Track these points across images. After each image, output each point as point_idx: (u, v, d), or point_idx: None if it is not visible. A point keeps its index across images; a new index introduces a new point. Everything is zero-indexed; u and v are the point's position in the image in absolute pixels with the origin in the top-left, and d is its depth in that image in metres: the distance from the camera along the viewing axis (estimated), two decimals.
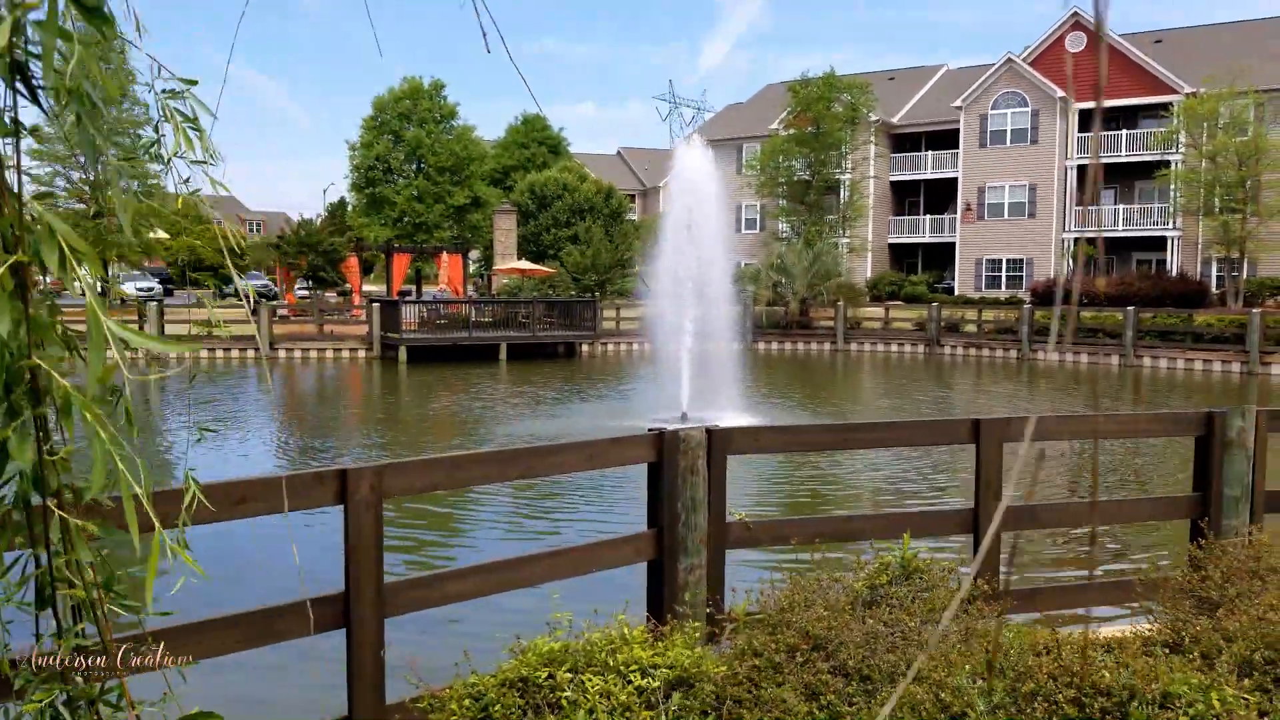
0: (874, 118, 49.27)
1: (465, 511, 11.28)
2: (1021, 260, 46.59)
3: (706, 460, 4.83)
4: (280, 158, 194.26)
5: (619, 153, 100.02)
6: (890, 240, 52.84)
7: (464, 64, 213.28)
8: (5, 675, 2.06)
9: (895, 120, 52.70)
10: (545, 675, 3.24)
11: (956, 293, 47.82)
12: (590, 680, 3.20)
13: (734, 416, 17.63)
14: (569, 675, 3.24)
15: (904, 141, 53.64)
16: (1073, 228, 45.79)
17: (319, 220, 43.52)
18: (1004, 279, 46.90)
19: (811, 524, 5.10)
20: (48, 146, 43.10)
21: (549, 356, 32.76)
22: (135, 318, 33.75)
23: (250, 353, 32.35)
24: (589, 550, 4.61)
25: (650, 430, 4.73)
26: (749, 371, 31.00)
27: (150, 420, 20.19)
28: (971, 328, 35.24)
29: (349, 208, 56.38)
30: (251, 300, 34.62)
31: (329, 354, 32.62)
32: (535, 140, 59.48)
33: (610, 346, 35.13)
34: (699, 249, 18.23)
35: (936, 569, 4.55)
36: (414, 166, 52.30)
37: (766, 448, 5.29)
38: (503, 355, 31.18)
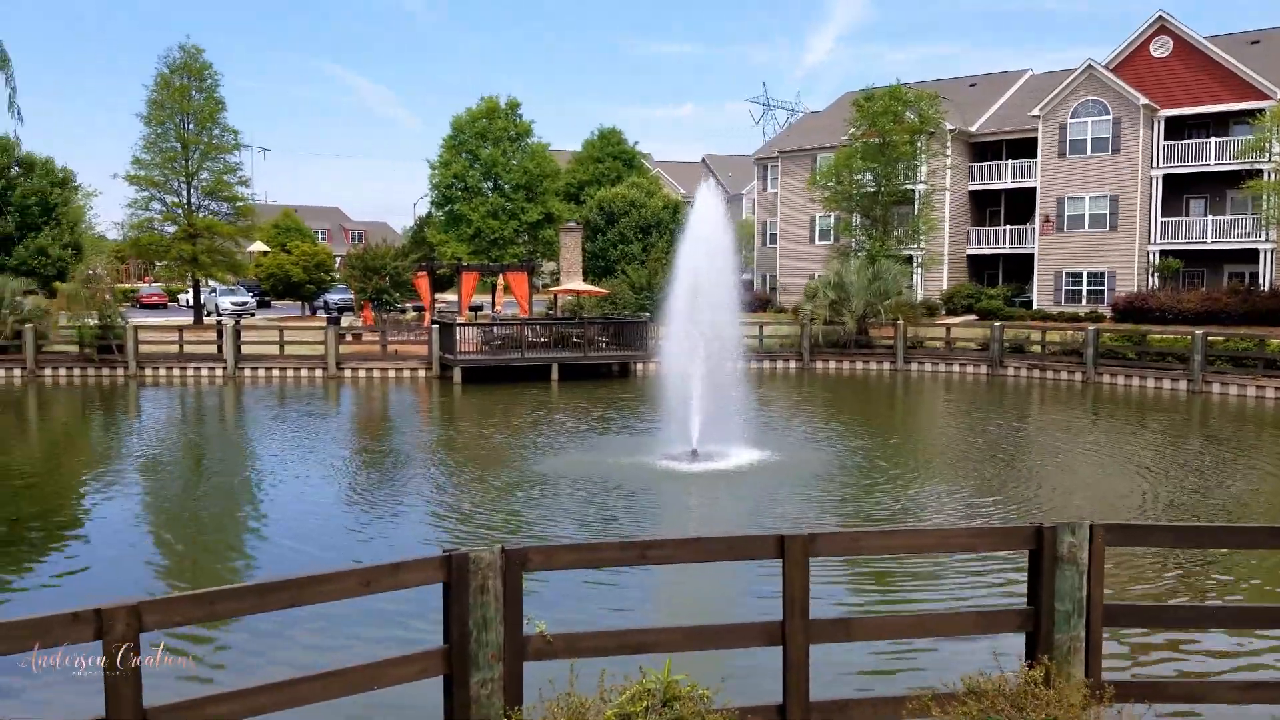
0: (950, 126, 48.26)
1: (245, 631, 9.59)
2: (1103, 274, 44.94)
3: (501, 579, 5.09)
4: (389, 164, 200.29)
5: (703, 160, 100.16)
6: (969, 251, 51.61)
7: (547, 75, 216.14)
8: None
9: (974, 129, 51.46)
10: None
11: (1035, 306, 46.45)
12: None
13: (744, 451, 17.73)
14: None
15: (984, 150, 52.32)
16: (1157, 240, 43.95)
17: (406, 232, 45.04)
18: (1084, 293, 45.32)
19: (610, 637, 5.30)
20: (145, 172, 45.68)
21: (603, 376, 33.20)
22: (215, 336, 35.58)
23: (319, 372, 33.77)
24: (373, 669, 4.92)
25: (443, 552, 5.01)
26: (798, 393, 30.92)
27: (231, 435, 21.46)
28: (1036, 348, 34.24)
29: (433, 221, 58.11)
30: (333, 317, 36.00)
31: (391, 374, 33.77)
32: (610, 154, 60.11)
33: (658, 365, 35.33)
34: (710, 286, 18.32)
35: (696, 694, 4.71)
36: (489, 184, 53.53)
37: (561, 565, 5.51)
38: (554, 376, 31.78)
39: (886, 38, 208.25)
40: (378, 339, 36.45)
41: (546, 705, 4.63)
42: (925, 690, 4.87)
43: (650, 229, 46.44)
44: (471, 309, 41.80)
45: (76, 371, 34.18)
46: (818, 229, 55.06)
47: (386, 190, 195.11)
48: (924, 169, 46.88)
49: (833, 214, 50.38)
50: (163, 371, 34.22)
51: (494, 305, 49.10)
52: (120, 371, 34.00)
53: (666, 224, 46.09)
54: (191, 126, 45.55)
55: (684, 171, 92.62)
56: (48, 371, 34.08)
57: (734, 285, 19.51)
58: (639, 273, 41.99)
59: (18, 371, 33.54)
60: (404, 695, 5.53)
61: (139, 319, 42.88)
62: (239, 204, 48.24)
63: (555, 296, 43.33)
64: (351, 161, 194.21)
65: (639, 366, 34.05)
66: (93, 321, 34.60)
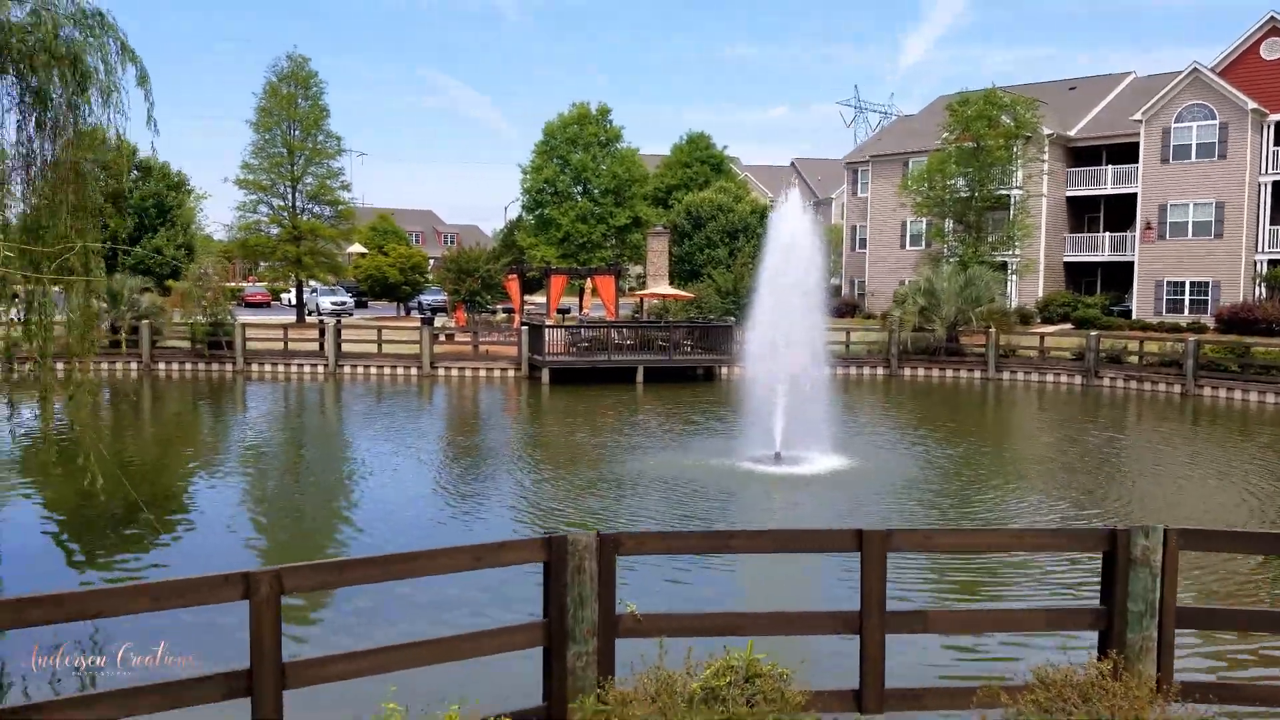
0: (1048, 131, 47.27)
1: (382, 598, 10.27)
2: (1206, 283, 43.43)
3: (596, 561, 5.52)
4: (481, 168, 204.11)
5: (792, 163, 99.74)
6: (1066, 259, 50.43)
7: (638, 78, 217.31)
8: None
9: (1073, 133, 50.28)
10: None
11: (1134, 316, 45.13)
12: None
13: (829, 457, 17.87)
14: None
15: (1083, 155, 51.06)
16: (1265, 249, 42.30)
17: (496, 235, 46.21)
18: (1186, 303, 43.87)
19: (697, 619, 5.67)
20: (253, 176, 47.75)
21: (688, 380, 33.56)
22: (317, 335, 37.09)
23: (414, 370, 34.94)
24: (481, 638, 5.39)
25: (544, 534, 5.46)
26: (884, 399, 30.77)
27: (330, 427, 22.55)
28: (1134, 359, 33.36)
29: (523, 225, 59.34)
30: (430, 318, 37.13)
31: (482, 373, 34.74)
32: (698, 159, 60.47)
33: (743, 370, 35.51)
34: (797, 291, 18.51)
35: (776, 673, 5.05)
36: (579, 189, 54.42)
37: (651, 550, 5.89)
38: (639, 378, 32.27)
39: (985, 39, 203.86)
40: (470, 340, 37.49)
41: (637, 677, 5.03)
42: (997, 678, 5.10)
43: (737, 233, 46.65)
44: (559, 311, 42.64)
45: (188, 366, 36.04)
46: (908, 234, 54.48)
47: (478, 194, 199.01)
48: (1020, 174, 46.01)
49: (924, 219, 49.84)
50: (268, 367, 35.83)
51: (581, 308, 49.94)
52: (228, 367, 35.74)
53: (754, 228, 46.23)
54: (297, 133, 47.50)
55: (773, 175, 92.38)
56: (161, 365, 36.01)
57: (821, 290, 19.66)
58: (725, 277, 42.27)
59: (134, 365, 35.53)
60: (503, 663, 5.98)
61: (245, 317, 44.96)
62: (340, 207, 50.08)
63: (641, 300, 43.88)
64: (444, 165, 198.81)
65: (724, 370, 34.31)
66: (204, 319, 36.43)
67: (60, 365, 12.21)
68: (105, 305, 33.56)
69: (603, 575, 5.51)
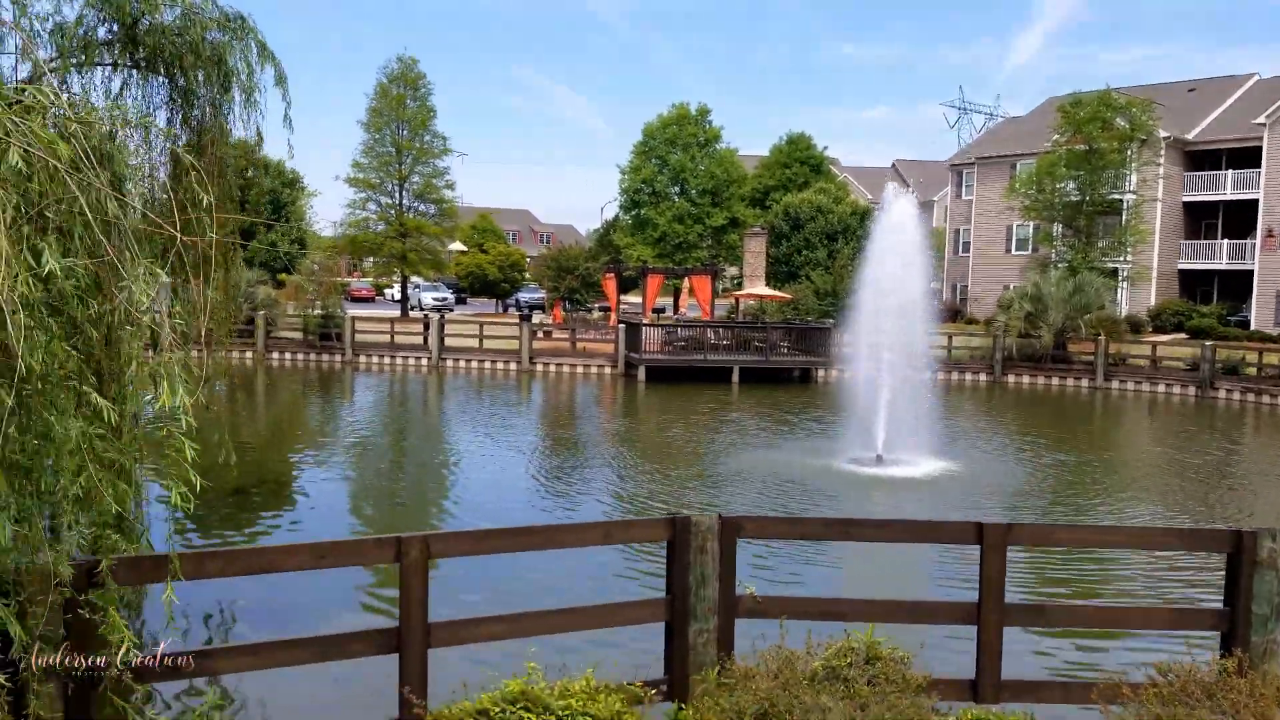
0: (1164, 134, 45.61)
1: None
2: None
3: (718, 542, 5.73)
4: (576, 169, 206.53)
5: (893, 165, 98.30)
6: (1180, 266, 48.57)
7: (737, 77, 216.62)
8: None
9: (1191, 136, 48.38)
10: (498, 710, 4.36)
11: (1253, 326, 43.20)
12: (528, 717, 4.28)
13: (932, 461, 17.70)
14: (517, 711, 4.33)
15: (1201, 159, 49.09)
16: None
17: (591, 236, 46.87)
18: None
19: (816, 603, 5.82)
20: (363, 175, 49.40)
21: (783, 382, 33.49)
22: (421, 329, 38.23)
23: (513, 365, 35.72)
24: (609, 610, 5.65)
25: (669, 514, 5.69)
26: (988, 405, 30.18)
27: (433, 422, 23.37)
28: (1252, 370, 31.97)
29: (620, 225, 59.95)
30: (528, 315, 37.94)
31: (579, 369, 35.29)
32: (798, 160, 60.11)
33: (844, 372, 35.25)
34: (899, 294, 18.39)
35: (896, 656, 5.19)
36: (676, 189, 54.71)
37: (772, 535, 6.05)
38: (735, 379, 32.34)
39: (1099, 39, 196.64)
40: (567, 336, 38.11)
41: (759, 654, 5.22)
42: (1118, 671, 5.13)
43: (836, 235, 46.28)
44: (655, 310, 42.99)
45: (300, 356, 37.55)
46: (1014, 238, 53.21)
47: (572, 193, 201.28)
48: (1134, 178, 44.52)
49: (1032, 223, 48.62)
50: (374, 359, 37.07)
51: (676, 308, 50.23)
52: (338, 357, 37.11)
53: (854, 230, 45.80)
54: (405, 132, 48.99)
55: (873, 177, 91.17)
56: (275, 355, 37.60)
57: (924, 293, 19.48)
58: (824, 279, 42.01)
59: (249, 354, 37.19)
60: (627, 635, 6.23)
61: (352, 310, 46.56)
62: (444, 205, 51.45)
63: (737, 300, 43.91)
64: (539, 166, 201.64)
65: (821, 373, 34.13)
66: (316, 311, 37.91)
67: (195, 352, 12.97)
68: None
69: (724, 556, 5.71)
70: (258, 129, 12.64)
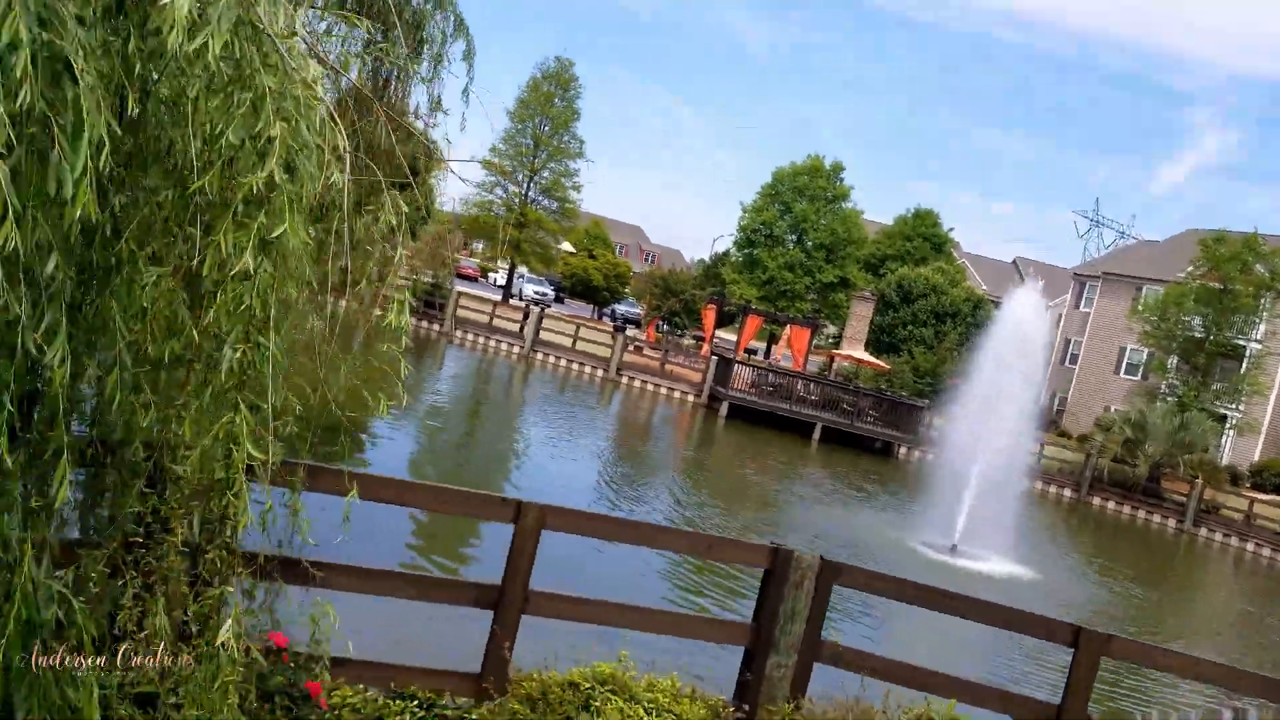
0: None
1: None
2: None
3: (815, 582, 5.75)
4: (695, 196, 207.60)
5: (1014, 261, 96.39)
6: None
7: (873, 139, 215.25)
8: None
9: None
10: (588, 686, 4.46)
11: None
12: (616, 700, 4.38)
13: (1007, 562, 17.31)
14: (605, 692, 4.44)
15: None
16: None
17: (696, 265, 47.13)
18: None
19: (899, 666, 5.78)
20: (499, 160, 50.61)
21: (864, 449, 33.07)
22: (520, 317, 38.90)
23: (600, 372, 36.05)
24: (688, 621, 5.72)
25: (771, 543, 5.75)
26: (1068, 522, 29.34)
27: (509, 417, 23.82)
28: None
29: (729, 260, 60.16)
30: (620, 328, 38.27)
31: (663, 390, 35.44)
32: (921, 234, 59.57)
33: (931, 455, 34.67)
34: (1013, 388, 18.08)
35: None
36: (794, 237, 54.67)
37: (875, 590, 6.03)
38: (816, 435, 32.06)
39: (1248, 177, 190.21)
40: (659, 356, 38.32)
41: (835, 701, 5.22)
42: None
43: (946, 317, 45.62)
44: (746, 350, 42.95)
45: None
46: (1126, 361, 51.73)
47: (685, 219, 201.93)
48: (1263, 327, 42.91)
49: (1147, 349, 47.22)
50: (470, 336, 37.82)
51: (769, 352, 50.08)
52: (436, 327, 37.99)
53: (964, 315, 45.11)
54: (547, 128, 50.07)
55: (992, 268, 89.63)
56: (377, 312, 38.59)
57: (1035, 397, 19.12)
58: (926, 357, 41.43)
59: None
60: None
61: (459, 287, 47.63)
62: (566, 205, 52.32)
63: (832, 359, 43.61)
64: (658, 184, 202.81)
65: (903, 449, 33.62)
66: (426, 278, 38.91)
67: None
68: None
69: (818, 596, 5.73)
70: (438, 97, 13.12)
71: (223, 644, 2.89)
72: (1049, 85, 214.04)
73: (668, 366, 37.47)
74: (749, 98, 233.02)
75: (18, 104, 2.16)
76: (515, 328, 38.55)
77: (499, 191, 51.27)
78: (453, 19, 12.90)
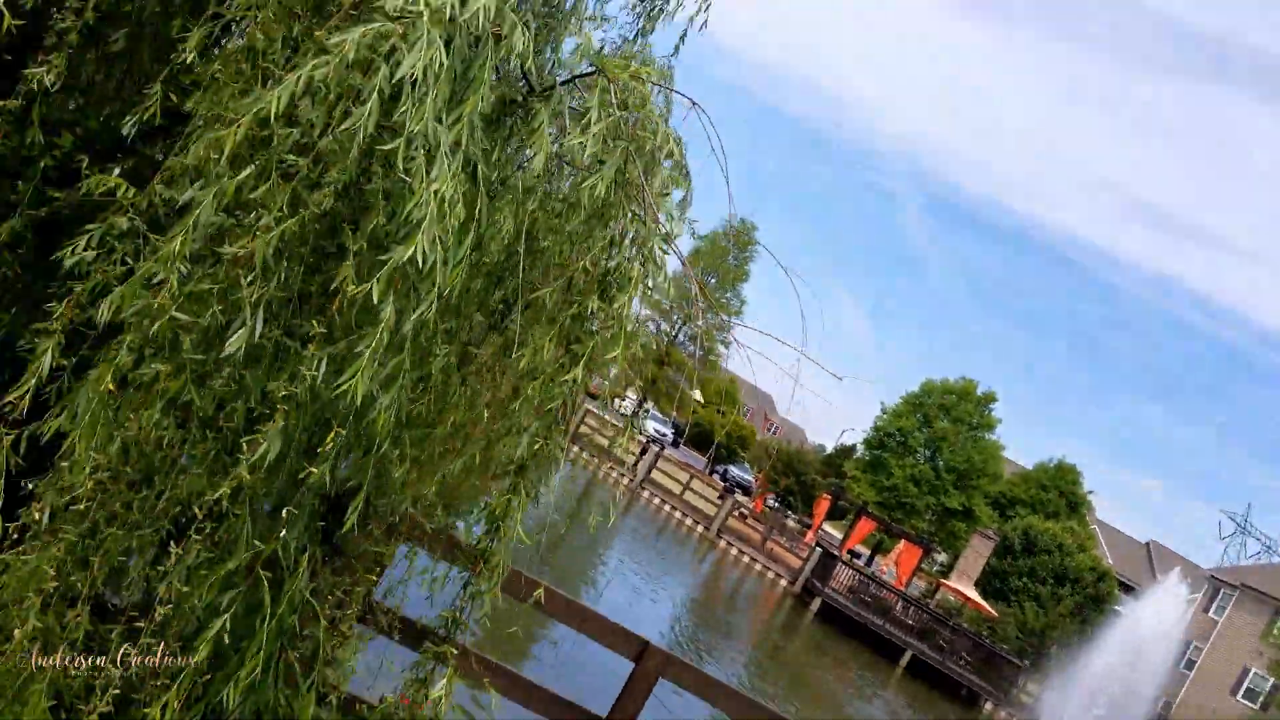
0: None
1: None
2: None
3: None
4: (827, 381, 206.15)
5: (1148, 544, 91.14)
6: None
7: (1029, 378, 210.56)
8: None
9: None
10: None
11: None
12: None
13: None
14: None
15: None
16: None
17: (818, 450, 46.50)
18: None
19: None
20: (659, 298, 51.94)
21: (950, 692, 31.06)
22: (637, 451, 38.98)
23: (700, 528, 35.52)
24: None
25: None
26: None
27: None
28: None
29: (854, 455, 59.15)
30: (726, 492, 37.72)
31: (758, 566, 34.53)
32: (1058, 487, 57.29)
33: (1017, 719, 32.31)
34: (1127, 680, 16.80)
35: None
36: (927, 453, 53.46)
37: None
38: (903, 662, 30.37)
39: None
40: (762, 530, 37.54)
41: None
42: None
43: (1066, 580, 43.16)
44: (850, 552, 41.59)
45: None
46: (1246, 684, 47.51)
47: (813, 399, 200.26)
48: None
49: (1273, 679, 43.37)
50: (583, 453, 38.02)
51: (871, 560, 48.37)
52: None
53: (1086, 585, 42.58)
54: (714, 281, 51.24)
55: (1123, 542, 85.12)
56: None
57: (1152, 697, 17.74)
58: (1036, 615, 39.13)
59: None
60: None
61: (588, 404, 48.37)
62: (711, 358, 52.90)
63: (938, 587, 41.72)
64: (796, 359, 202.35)
65: (989, 704, 31.43)
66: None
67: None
68: None
69: None
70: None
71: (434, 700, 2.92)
72: (1224, 376, 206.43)
73: (768, 544, 36.60)
74: (907, 294, 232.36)
75: None
76: (630, 459, 38.60)
77: (650, 326, 52.37)
78: (681, 170, 13.48)
